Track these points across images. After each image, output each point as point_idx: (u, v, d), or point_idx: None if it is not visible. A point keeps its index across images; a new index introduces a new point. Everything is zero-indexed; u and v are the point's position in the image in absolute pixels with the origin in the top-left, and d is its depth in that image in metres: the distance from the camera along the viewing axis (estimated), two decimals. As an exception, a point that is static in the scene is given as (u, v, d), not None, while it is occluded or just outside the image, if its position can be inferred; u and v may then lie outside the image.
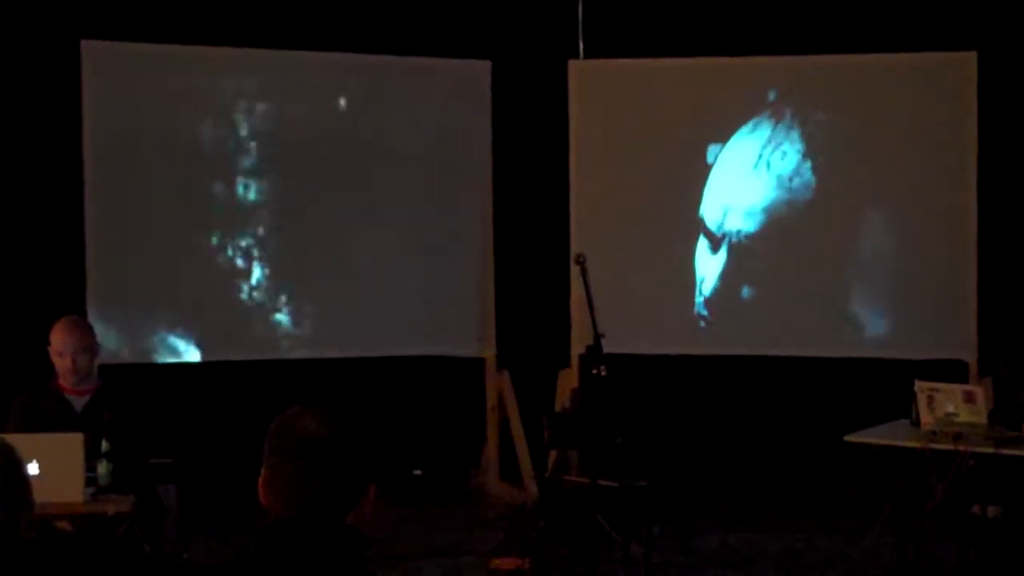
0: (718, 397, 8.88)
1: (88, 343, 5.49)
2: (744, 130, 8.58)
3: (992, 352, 7.35)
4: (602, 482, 6.59)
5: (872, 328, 8.41)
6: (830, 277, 8.48)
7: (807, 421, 8.47)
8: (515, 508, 8.15)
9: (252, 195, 8.33)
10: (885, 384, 7.48)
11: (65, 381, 5.45)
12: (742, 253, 8.59)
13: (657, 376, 8.66)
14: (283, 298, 8.40)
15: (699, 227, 8.65)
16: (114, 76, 7.99)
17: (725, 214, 8.61)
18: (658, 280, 8.68)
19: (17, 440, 3.07)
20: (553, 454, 7.67)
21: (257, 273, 8.35)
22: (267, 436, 2.30)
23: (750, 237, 8.57)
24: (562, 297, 8.53)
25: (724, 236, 8.61)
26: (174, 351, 8.11)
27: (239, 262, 8.31)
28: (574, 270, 7.61)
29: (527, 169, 8.81)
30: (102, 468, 5.00)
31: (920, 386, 6.35)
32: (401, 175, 8.59)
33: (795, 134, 8.52)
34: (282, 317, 8.40)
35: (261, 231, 8.34)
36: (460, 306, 8.73)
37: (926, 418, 6.27)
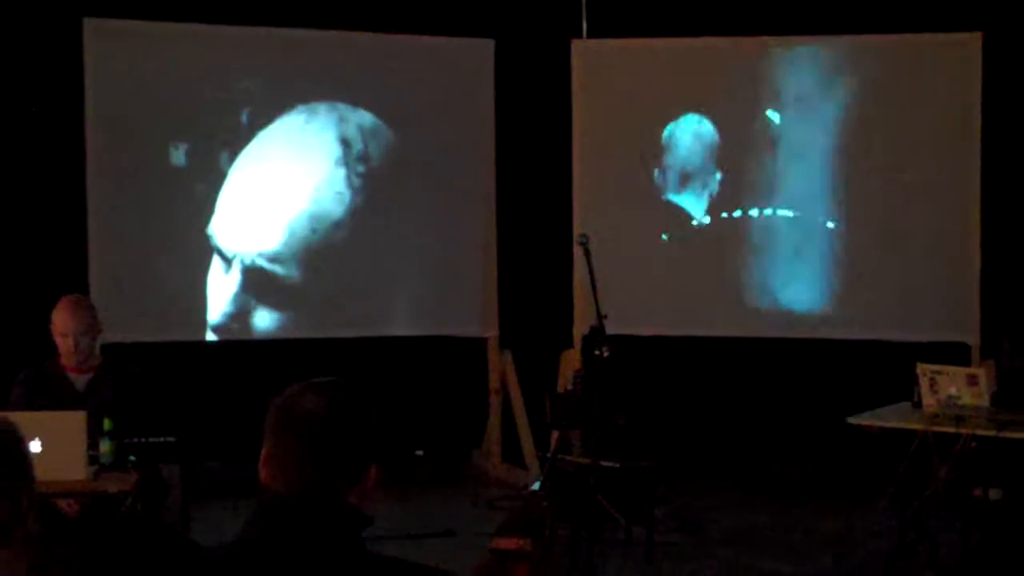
0: (721, 378, 8.87)
1: (90, 324, 5.47)
2: (747, 110, 8.55)
3: (995, 335, 7.34)
4: (604, 463, 6.59)
5: (874, 310, 8.38)
6: (832, 258, 8.46)
7: (810, 403, 8.46)
8: (517, 489, 8.15)
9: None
10: (888, 366, 7.47)
11: (67, 361, 5.45)
12: (742, 233, 8.57)
13: (659, 357, 8.65)
14: (284, 279, 8.39)
15: (701, 207, 8.63)
16: (117, 53, 7.98)
17: (726, 193, 8.58)
18: (661, 261, 8.66)
19: (19, 418, 3.06)
20: (555, 435, 7.67)
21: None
22: (268, 413, 2.29)
23: (750, 218, 8.54)
24: (565, 278, 8.53)
25: (725, 215, 8.58)
26: (177, 330, 8.11)
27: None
28: (577, 250, 7.61)
29: (530, 149, 8.79)
30: (104, 446, 5.00)
31: (922, 369, 6.34)
32: (403, 154, 8.57)
33: (798, 114, 8.49)
34: (285, 298, 8.39)
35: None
36: (463, 286, 8.72)
37: (928, 400, 6.27)
